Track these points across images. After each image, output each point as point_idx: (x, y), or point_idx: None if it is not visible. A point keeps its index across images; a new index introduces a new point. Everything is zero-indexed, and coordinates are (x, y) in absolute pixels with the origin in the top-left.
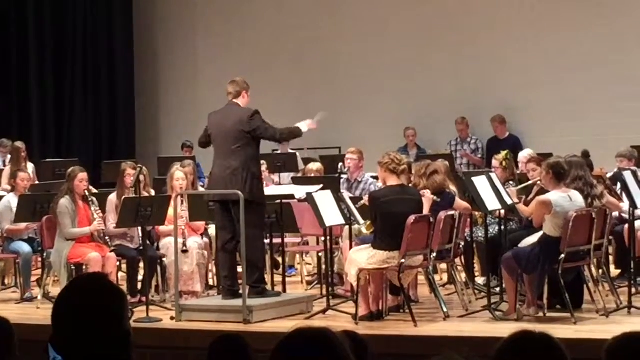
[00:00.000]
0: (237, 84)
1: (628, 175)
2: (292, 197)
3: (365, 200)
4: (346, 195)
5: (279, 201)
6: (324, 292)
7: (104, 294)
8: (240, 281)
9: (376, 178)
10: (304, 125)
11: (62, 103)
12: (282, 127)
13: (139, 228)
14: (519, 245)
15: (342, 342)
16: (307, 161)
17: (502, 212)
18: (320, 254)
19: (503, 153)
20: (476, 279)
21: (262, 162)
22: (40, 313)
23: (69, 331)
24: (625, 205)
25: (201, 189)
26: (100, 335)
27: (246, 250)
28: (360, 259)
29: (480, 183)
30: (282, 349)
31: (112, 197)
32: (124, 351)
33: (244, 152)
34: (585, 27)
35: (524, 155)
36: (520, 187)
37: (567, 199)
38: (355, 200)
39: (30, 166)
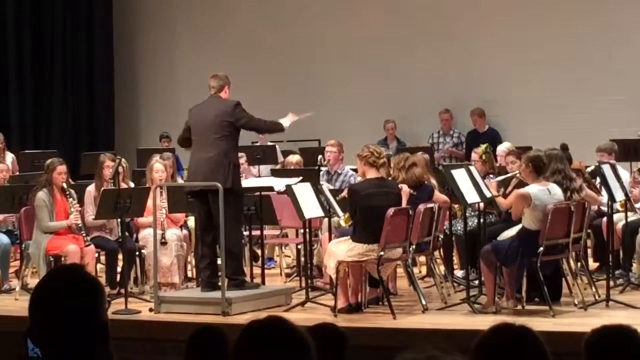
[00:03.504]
0: (220, 78)
1: (607, 169)
2: (271, 189)
3: (345, 193)
4: (326, 187)
5: (258, 193)
6: (303, 284)
7: (80, 285)
8: (219, 273)
9: (356, 170)
10: (286, 121)
11: (40, 94)
12: (265, 119)
13: (118, 220)
14: (498, 238)
15: (301, 330)
16: (286, 153)
17: (482, 205)
18: (299, 247)
19: (483, 146)
20: (455, 271)
21: (242, 154)
22: (18, 304)
23: (46, 323)
24: (603, 198)
25: (180, 181)
26: (77, 326)
27: (225, 241)
28: (340, 251)
29: (460, 176)
30: (241, 341)
31: (91, 189)
32: (101, 343)
33: (226, 142)
34: (565, 22)
35: (502, 148)
36: (498, 179)
37: (546, 192)
38: (334, 192)
39: (10, 156)
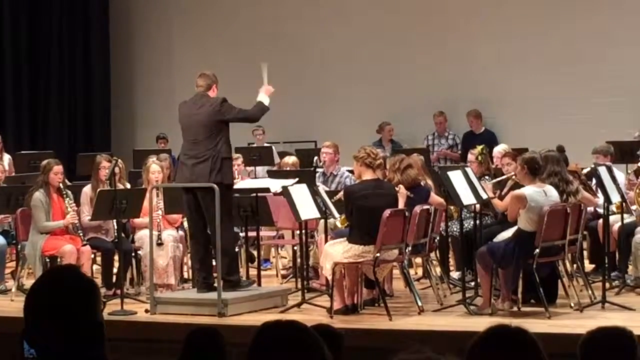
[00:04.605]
0: (208, 77)
1: (603, 171)
2: (267, 190)
3: (341, 194)
4: (322, 188)
5: (254, 194)
6: (299, 285)
7: (75, 286)
8: (215, 274)
9: (352, 172)
10: (264, 97)
11: (37, 95)
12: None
13: (114, 221)
14: (494, 240)
15: (313, 332)
16: (282, 155)
17: (478, 206)
18: (295, 248)
19: (479, 147)
20: (451, 273)
21: (238, 155)
22: (14, 305)
23: (41, 324)
24: (600, 200)
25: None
26: (73, 327)
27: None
28: (336, 252)
29: (456, 177)
30: (256, 348)
31: (87, 189)
32: (97, 343)
33: (215, 140)
34: (560, 24)
35: (498, 150)
36: (494, 181)
37: (541, 193)
38: (330, 194)
39: (7, 157)
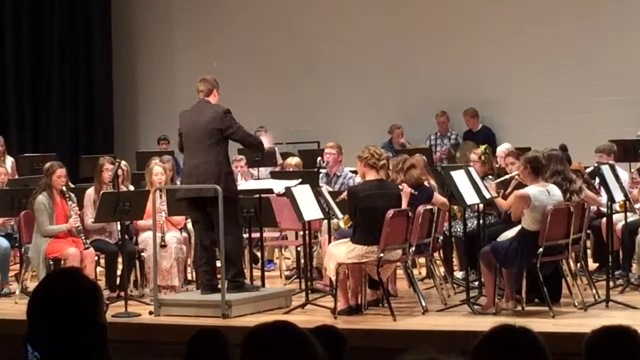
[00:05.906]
0: (208, 82)
1: (606, 170)
2: (270, 191)
3: (344, 195)
4: (325, 189)
5: (257, 195)
6: (303, 286)
7: (78, 288)
8: (219, 276)
9: (355, 172)
10: (265, 142)
11: (39, 96)
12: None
13: (118, 223)
14: (497, 240)
15: (306, 332)
16: (285, 156)
17: (481, 206)
18: (299, 249)
19: (482, 147)
20: (455, 273)
21: (241, 156)
22: (17, 308)
23: (44, 326)
24: (603, 199)
25: (179, 184)
26: (75, 329)
27: (224, 244)
28: (339, 253)
29: (459, 177)
30: (247, 349)
31: (90, 192)
32: (100, 345)
33: (217, 149)
34: (561, 22)
35: (502, 149)
36: (497, 180)
37: (545, 192)
38: (334, 194)
39: (10, 160)
